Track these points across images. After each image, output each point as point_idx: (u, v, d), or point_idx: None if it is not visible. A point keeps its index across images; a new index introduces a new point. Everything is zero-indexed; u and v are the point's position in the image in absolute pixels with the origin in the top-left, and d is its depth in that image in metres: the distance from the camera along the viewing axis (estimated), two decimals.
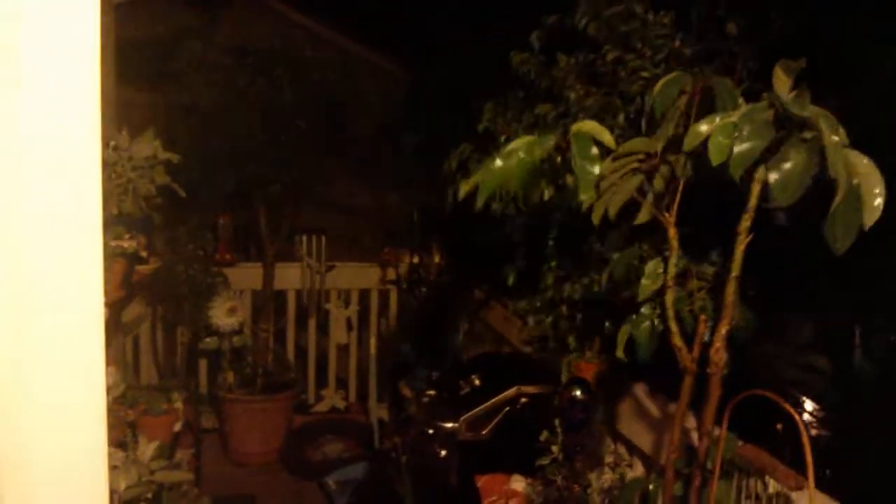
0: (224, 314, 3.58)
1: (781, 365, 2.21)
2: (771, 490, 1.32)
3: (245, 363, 3.75)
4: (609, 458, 2.06)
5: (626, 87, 2.00)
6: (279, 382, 3.82)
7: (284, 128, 3.71)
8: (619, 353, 1.60)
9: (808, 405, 2.04)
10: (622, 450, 2.18)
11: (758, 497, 1.28)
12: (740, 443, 1.28)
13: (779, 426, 1.17)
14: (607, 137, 1.23)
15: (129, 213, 1.95)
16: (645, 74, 1.95)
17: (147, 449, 1.59)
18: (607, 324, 2.11)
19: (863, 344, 2.04)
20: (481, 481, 2.24)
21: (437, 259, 4.00)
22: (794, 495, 1.30)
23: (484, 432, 2.31)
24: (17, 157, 0.75)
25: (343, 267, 4.17)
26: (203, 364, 3.97)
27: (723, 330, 1.35)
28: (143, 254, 1.93)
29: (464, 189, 1.41)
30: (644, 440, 2.04)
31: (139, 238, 1.93)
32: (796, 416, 1.12)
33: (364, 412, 4.21)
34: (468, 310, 3.68)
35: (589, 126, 1.24)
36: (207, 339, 3.56)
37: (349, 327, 4.23)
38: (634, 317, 1.58)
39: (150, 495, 1.50)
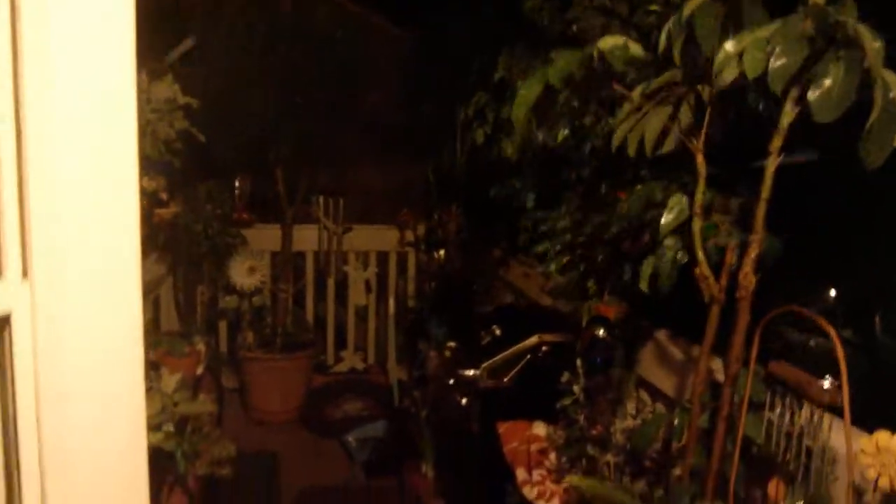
0: (243, 274, 3.59)
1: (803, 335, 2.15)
2: (802, 419, 1.30)
3: (264, 323, 3.77)
4: (631, 404, 2.04)
5: (640, 20, 1.95)
6: (298, 342, 3.83)
7: (295, 91, 3.69)
8: (643, 286, 1.59)
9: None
10: (645, 396, 2.16)
11: (792, 417, 1.26)
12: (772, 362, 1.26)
13: (812, 343, 1.14)
14: (635, 48, 1.19)
15: (148, 155, 1.95)
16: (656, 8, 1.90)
17: (170, 381, 1.60)
18: (626, 267, 2.09)
19: (884, 318, 1.98)
20: (503, 428, 2.23)
21: (454, 220, 3.98)
22: (825, 423, 1.28)
23: (505, 380, 2.31)
24: (53, 98, 0.77)
25: (361, 229, 4.16)
26: (223, 325, 4.00)
27: (752, 254, 1.32)
28: (163, 195, 1.93)
29: (519, 112, 1.36)
30: (667, 383, 2.02)
31: (159, 180, 1.92)
32: (832, 333, 1.09)
33: (383, 373, 4.22)
34: (487, 268, 3.67)
35: (614, 40, 1.20)
36: (227, 298, 3.58)
37: (368, 289, 4.23)
38: (657, 250, 1.58)
39: (172, 427, 1.52)
